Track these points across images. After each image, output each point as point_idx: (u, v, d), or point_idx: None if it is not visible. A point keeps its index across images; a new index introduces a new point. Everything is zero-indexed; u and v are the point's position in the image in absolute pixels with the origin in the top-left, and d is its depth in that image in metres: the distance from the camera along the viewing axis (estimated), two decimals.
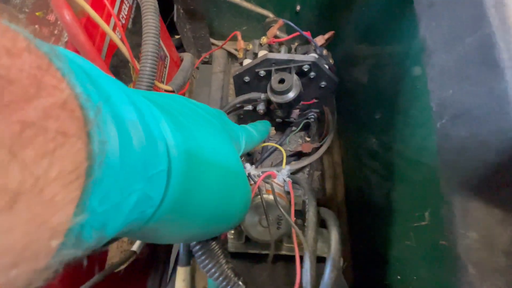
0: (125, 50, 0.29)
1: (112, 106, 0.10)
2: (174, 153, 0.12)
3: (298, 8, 0.55)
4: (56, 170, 0.07)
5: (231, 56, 0.67)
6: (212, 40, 0.64)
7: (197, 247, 0.22)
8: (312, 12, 0.56)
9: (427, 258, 0.27)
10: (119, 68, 0.34)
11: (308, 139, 0.62)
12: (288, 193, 0.31)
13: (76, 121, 0.08)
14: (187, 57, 0.50)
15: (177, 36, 0.63)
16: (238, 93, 0.47)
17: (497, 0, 0.14)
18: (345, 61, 0.59)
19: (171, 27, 0.54)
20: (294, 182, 0.32)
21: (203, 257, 0.22)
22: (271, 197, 0.27)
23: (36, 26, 0.27)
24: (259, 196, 0.27)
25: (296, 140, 0.62)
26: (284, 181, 0.31)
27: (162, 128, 0.12)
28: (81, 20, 0.27)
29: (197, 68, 0.67)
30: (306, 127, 0.58)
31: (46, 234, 0.07)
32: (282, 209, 0.24)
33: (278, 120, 0.53)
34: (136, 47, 0.38)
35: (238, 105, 0.48)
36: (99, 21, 0.26)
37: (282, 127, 0.57)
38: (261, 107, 0.47)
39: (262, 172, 0.30)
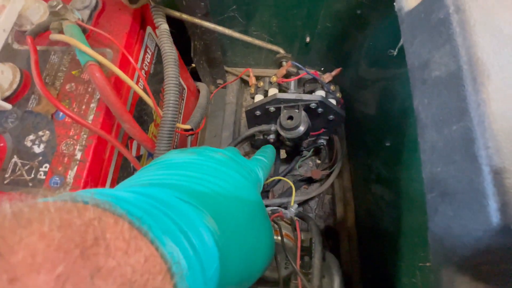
0: (149, 100, 0.32)
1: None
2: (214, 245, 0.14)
3: (308, 39, 0.57)
4: None
5: (243, 81, 0.70)
6: (226, 68, 0.67)
7: None
8: (321, 43, 0.58)
9: None
10: (141, 112, 0.37)
11: (318, 161, 0.63)
12: (295, 229, 0.33)
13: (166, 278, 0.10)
14: (203, 91, 0.53)
15: (193, 65, 0.67)
16: (250, 124, 0.50)
17: (480, 97, 0.16)
18: (354, 87, 0.60)
19: (187, 57, 0.58)
20: (302, 219, 0.34)
21: None
22: (279, 238, 0.29)
23: (73, 84, 0.31)
24: None
25: (307, 163, 0.64)
26: (292, 219, 0.33)
27: (206, 234, 0.14)
28: (110, 78, 0.31)
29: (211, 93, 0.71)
30: (317, 152, 0.60)
31: None
32: (288, 256, 0.26)
33: (288, 149, 0.55)
34: (158, 84, 0.42)
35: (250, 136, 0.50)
36: (126, 79, 0.30)
37: (293, 153, 0.59)
38: (271, 137, 0.49)
39: (271, 210, 0.33)
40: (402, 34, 0.24)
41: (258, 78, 0.69)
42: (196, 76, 0.66)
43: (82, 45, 0.27)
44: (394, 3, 0.25)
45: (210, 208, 0.16)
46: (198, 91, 0.64)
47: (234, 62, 0.67)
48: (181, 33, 0.54)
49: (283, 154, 0.62)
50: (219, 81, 0.70)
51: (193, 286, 0.12)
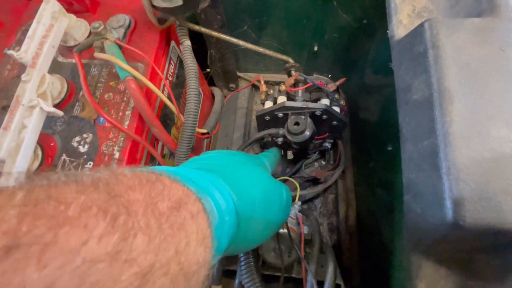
0: (173, 108, 0.37)
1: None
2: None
3: (316, 48, 0.61)
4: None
5: (254, 87, 0.75)
6: (238, 74, 0.72)
7: (242, 259, 0.32)
8: (329, 51, 0.62)
9: None
10: (165, 116, 0.43)
11: (323, 163, 0.67)
12: (299, 223, 0.38)
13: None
14: (217, 97, 0.58)
15: (208, 70, 0.72)
16: (259, 127, 0.55)
17: (444, 119, 0.20)
18: (359, 92, 0.64)
19: (202, 62, 0.63)
20: (305, 215, 0.39)
21: (243, 269, 0.31)
22: (285, 231, 0.34)
23: (110, 93, 0.37)
24: None
25: (313, 165, 0.68)
26: (296, 215, 0.38)
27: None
28: (143, 89, 0.36)
29: (225, 97, 0.76)
30: (322, 154, 0.64)
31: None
32: (295, 246, 0.31)
33: (294, 151, 0.59)
34: (179, 90, 0.47)
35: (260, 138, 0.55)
36: (156, 91, 0.35)
37: (299, 155, 0.63)
38: (279, 140, 0.54)
39: None
40: (392, 59, 0.28)
41: (267, 82, 0.73)
42: (210, 79, 0.71)
43: (122, 63, 0.32)
44: (388, 31, 0.29)
45: (231, 182, 0.23)
46: (213, 95, 0.69)
47: (246, 68, 0.71)
48: (198, 42, 0.59)
49: (290, 155, 0.66)
50: (232, 85, 0.75)
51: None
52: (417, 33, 0.24)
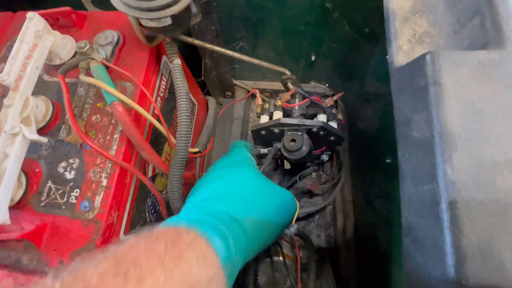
0: (163, 130, 0.36)
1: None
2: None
3: (313, 57, 0.60)
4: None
5: (251, 94, 0.73)
6: (234, 81, 0.70)
7: None
8: (326, 61, 0.60)
9: None
10: (157, 135, 0.41)
11: (321, 173, 0.66)
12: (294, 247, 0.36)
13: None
14: (210, 110, 0.57)
15: (202, 78, 0.70)
16: (255, 141, 0.53)
17: (447, 166, 0.19)
18: (358, 102, 0.63)
19: (196, 69, 0.61)
20: (301, 238, 0.37)
21: None
22: (280, 259, 0.33)
23: (98, 115, 0.35)
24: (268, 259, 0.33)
25: (311, 176, 0.67)
26: (292, 238, 0.37)
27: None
28: (131, 111, 0.35)
29: (220, 104, 0.74)
30: (319, 165, 0.63)
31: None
32: (290, 277, 0.30)
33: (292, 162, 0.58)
34: (171, 106, 0.45)
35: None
36: (144, 114, 0.33)
37: (296, 166, 0.62)
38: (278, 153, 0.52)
39: None
40: (392, 87, 0.26)
41: (264, 91, 0.72)
42: (205, 86, 0.69)
43: (108, 87, 0.31)
44: (387, 56, 0.27)
45: (233, 204, 0.28)
46: (207, 104, 0.68)
47: (242, 75, 0.70)
48: (192, 51, 0.57)
49: (287, 165, 0.65)
50: (228, 92, 0.73)
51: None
52: (418, 65, 0.22)
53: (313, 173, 0.67)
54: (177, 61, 0.37)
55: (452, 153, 0.19)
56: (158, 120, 0.36)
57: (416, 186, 0.21)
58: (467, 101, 0.20)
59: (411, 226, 0.21)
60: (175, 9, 0.30)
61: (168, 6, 0.30)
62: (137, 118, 0.36)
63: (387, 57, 0.27)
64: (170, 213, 0.40)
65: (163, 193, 0.46)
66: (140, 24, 0.33)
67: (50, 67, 0.38)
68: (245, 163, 0.37)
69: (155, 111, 0.39)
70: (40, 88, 0.37)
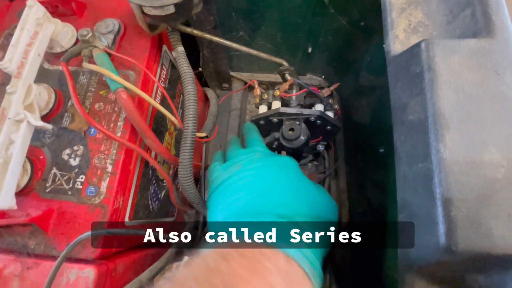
0: (169, 114, 0.36)
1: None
2: None
3: (310, 49, 0.61)
4: None
5: (248, 86, 0.74)
6: (232, 73, 0.71)
7: None
8: (323, 53, 0.62)
9: None
10: (158, 124, 0.42)
11: (317, 163, 0.68)
12: None
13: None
14: (213, 99, 0.58)
15: (200, 69, 0.71)
16: None
17: (439, 145, 0.20)
18: (353, 94, 0.64)
19: (193, 61, 0.61)
20: None
21: None
22: None
23: (101, 103, 0.36)
24: None
25: (306, 166, 0.69)
26: None
27: None
28: (134, 98, 0.35)
29: (217, 96, 0.75)
30: (316, 156, 0.65)
31: None
32: None
33: (289, 151, 0.59)
34: (171, 96, 0.46)
35: None
36: (149, 99, 0.34)
37: (293, 156, 0.63)
38: (275, 143, 0.54)
39: None
40: (388, 75, 0.28)
41: (262, 83, 0.72)
42: (202, 79, 0.70)
43: (112, 74, 0.31)
44: (384, 45, 0.29)
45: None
46: (205, 95, 0.68)
47: (239, 67, 0.70)
48: (189, 43, 0.57)
49: (284, 154, 0.66)
50: (225, 84, 0.74)
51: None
52: (413, 53, 0.24)
53: (309, 164, 0.69)
54: (181, 48, 0.37)
55: (445, 133, 0.20)
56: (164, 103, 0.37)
57: (411, 166, 0.23)
58: (459, 86, 0.22)
59: (406, 203, 0.23)
60: None
61: None
62: (140, 105, 0.36)
63: (384, 46, 0.29)
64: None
65: (164, 182, 0.47)
66: (142, 12, 0.34)
67: (50, 56, 0.38)
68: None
69: (158, 97, 0.40)
70: (41, 76, 0.37)
